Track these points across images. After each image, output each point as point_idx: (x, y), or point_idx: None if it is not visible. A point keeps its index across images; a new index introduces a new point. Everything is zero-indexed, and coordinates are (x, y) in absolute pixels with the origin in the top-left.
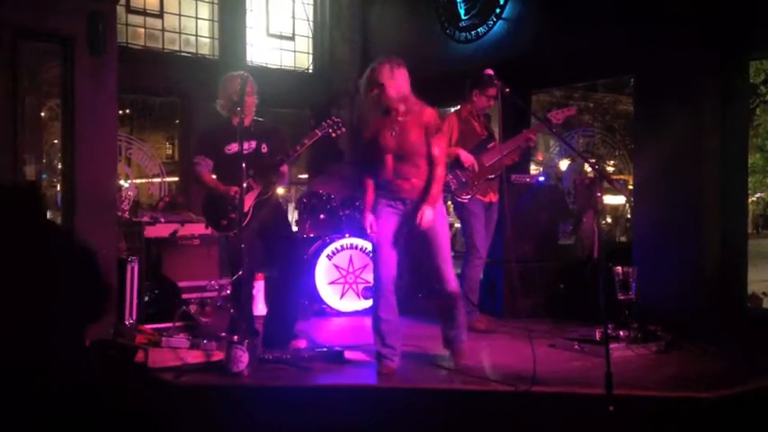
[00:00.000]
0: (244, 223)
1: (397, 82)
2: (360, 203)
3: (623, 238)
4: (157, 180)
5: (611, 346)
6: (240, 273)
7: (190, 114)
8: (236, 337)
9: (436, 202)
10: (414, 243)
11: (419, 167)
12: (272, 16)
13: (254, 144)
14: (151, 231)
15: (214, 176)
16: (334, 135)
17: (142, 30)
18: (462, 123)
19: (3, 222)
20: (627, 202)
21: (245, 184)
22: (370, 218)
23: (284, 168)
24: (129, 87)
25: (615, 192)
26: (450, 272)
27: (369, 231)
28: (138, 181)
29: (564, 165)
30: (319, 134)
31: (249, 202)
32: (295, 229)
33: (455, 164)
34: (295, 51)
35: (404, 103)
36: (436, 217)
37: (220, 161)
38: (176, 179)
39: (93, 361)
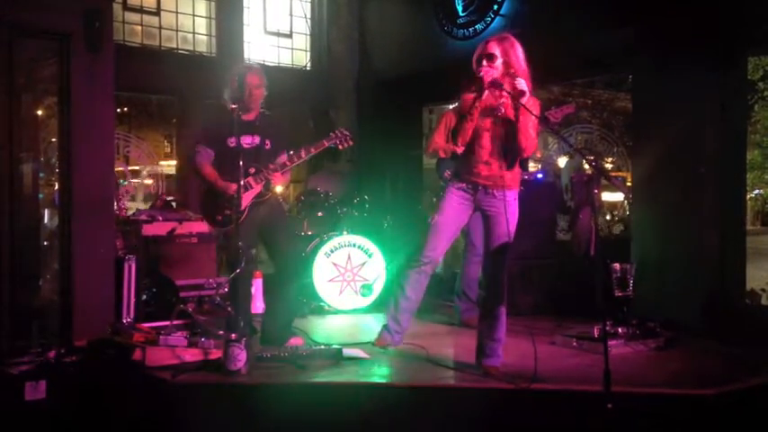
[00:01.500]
0: (239, 222)
1: (510, 59)
2: (358, 201)
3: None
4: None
5: (610, 343)
6: (238, 270)
7: (187, 112)
8: (233, 336)
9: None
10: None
11: (504, 155)
12: (270, 13)
13: (257, 139)
14: (149, 229)
15: (214, 169)
16: (341, 147)
17: (139, 27)
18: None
19: None
20: (625, 198)
21: (242, 182)
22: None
23: (287, 175)
24: (127, 85)
25: (613, 188)
26: (500, 271)
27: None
28: (136, 180)
29: (562, 162)
30: (326, 144)
31: (247, 201)
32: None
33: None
34: (293, 49)
35: (511, 83)
36: (500, 211)
37: (221, 153)
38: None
39: (90, 359)
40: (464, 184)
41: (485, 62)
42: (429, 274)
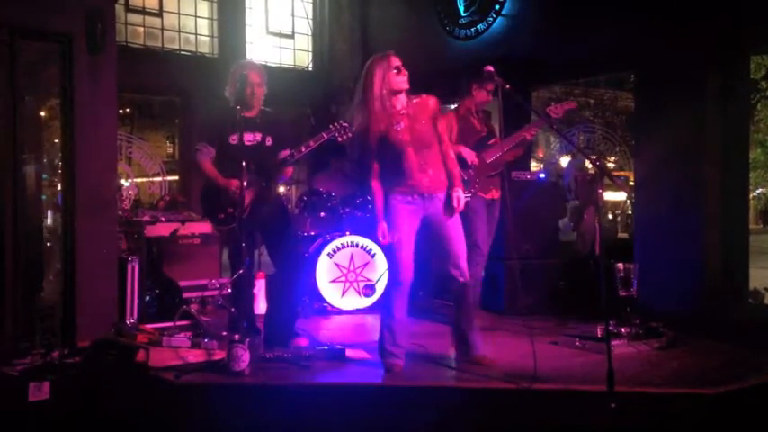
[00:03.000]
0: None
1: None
2: (360, 201)
3: (624, 234)
4: (158, 179)
5: (613, 342)
6: (240, 271)
7: (190, 113)
8: (237, 336)
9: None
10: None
11: (435, 157)
12: (272, 14)
13: (258, 136)
14: (152, 231)
15: (215, 167)
16: (340, 140)
17: (141, 28)
18: (461, 121)
19: None
20: (628, 198)
21: (244, 179)
22: (384, 227)
23: (289, 170)
24: (129, 86)
25: (616, 188)
26: (464, 257)
27: (382, 240)
28: (139, 180)
29: (564, 161)
30: (325, 137)
31: (248, 198)
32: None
33: (457, 161)
34: (294, 49)
35: (404, 95)
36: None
37: (223, 151)
38: (176, 178)
39: (94, 360)
40: (409, 196)
41: (395, 72)
42: (408, 289)
